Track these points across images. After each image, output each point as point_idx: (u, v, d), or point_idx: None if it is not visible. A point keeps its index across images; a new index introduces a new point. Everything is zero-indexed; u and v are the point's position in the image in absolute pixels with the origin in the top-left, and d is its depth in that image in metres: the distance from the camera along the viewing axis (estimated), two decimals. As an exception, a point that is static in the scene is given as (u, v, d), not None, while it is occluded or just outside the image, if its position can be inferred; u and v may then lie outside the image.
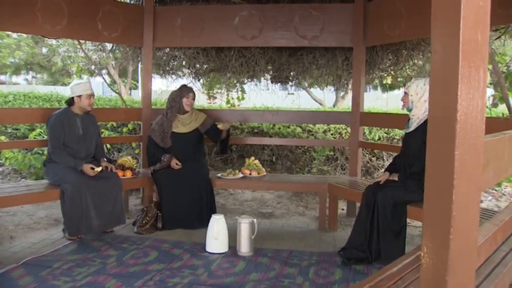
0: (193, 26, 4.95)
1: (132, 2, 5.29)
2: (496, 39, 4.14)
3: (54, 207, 4.75)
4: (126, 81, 13.29)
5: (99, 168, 3.93)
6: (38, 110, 5.05)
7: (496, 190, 5.74)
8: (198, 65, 5.79)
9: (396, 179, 3.49)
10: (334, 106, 13.22)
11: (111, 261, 3.38)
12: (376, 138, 6.36)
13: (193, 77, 5.93)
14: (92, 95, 4.05)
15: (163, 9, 5.04)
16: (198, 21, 4.95)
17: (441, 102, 1.12)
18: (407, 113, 3.54)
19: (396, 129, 6.46)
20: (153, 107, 5.33)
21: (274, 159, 6.44)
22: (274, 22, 4.86)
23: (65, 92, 10.03)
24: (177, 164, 4.32)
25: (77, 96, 3.98)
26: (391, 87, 14.97)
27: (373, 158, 6.54)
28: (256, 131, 6.71)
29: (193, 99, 4.60)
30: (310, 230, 4.40)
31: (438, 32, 1.13)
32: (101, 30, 4.62)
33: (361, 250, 3.41)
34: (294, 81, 6.27)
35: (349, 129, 6.58)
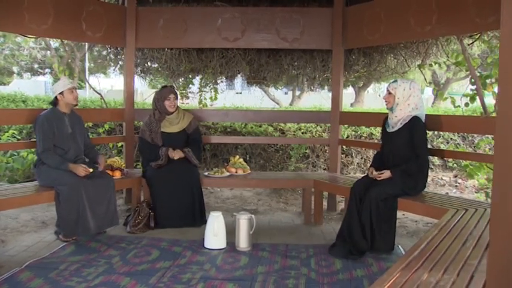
0: (176, 27, 5.00)
1: (113, 2, 5.24)
2: (470, 44, 4.53)
3: (37, 210, 4.65)
4: (71, 81, 12.96)
5: (91, 170, 3.90)
6: (23, 111, 4.88)
7: (459, 184, 6.21)
8: (174, 66, 5.81)
9: (388, 175, 3.71)
10: (291, 105, 13.55)
11: (116, 261, 3.40)
12: (345, 136, 6.68)
13: (170, 77, 5.95)
14: (73, 88, 3.99)
15: (146, 10, 5.04)
16: (181, 22, 5.00)
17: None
18: (388, 112, 3.82)
19: (363, 127, 6.84)
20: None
21: (247, 158, 6.60)
22: (257, 24, 5.01)
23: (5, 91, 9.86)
24: (173, 151, 4.41)
25: (59, 93, 3.94)
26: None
27: (342, 155, 6.85)
28: (229, 130, 6.84)
29: (176, 99, 4.62)
30: (297, 224, 4.59)
31: (508, 29, 1.29)
32: (85, 30, 4.56)
33: (350, 242, 3.62)
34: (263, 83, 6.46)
35: (319, 127, 6.88)
